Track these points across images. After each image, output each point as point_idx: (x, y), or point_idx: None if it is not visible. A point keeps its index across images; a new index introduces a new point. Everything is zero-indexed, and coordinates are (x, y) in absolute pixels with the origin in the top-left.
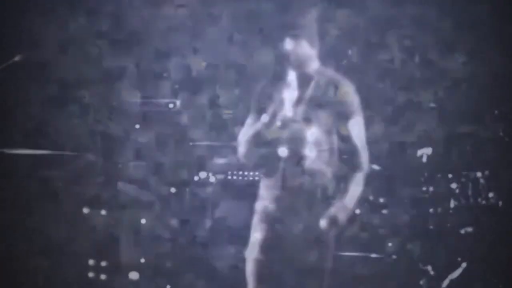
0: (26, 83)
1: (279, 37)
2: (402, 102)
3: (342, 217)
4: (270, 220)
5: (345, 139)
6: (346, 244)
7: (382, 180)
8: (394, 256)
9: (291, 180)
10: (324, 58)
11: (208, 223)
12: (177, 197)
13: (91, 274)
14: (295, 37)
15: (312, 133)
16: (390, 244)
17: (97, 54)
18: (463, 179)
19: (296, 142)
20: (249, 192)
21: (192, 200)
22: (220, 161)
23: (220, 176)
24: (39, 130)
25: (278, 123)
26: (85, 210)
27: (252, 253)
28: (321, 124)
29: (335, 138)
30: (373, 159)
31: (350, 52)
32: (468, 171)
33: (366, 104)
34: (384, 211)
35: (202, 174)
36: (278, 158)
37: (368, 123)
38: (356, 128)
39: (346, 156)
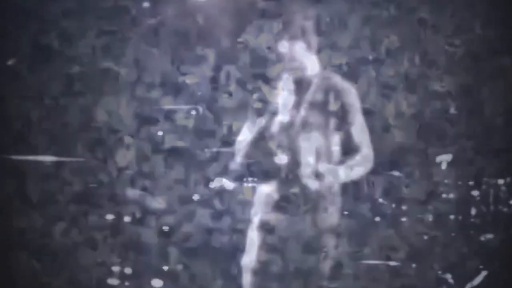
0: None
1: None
2: (422, 109)
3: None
4: (267, 229)
5: (347, 144)
6: (364, 252)
7: (401, 187)
8: (413, 264)
9: (288, 187)
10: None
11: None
12: (200, 204)
13: (114, 281)
14: (291, 38)
15: (311, 138)
16: (410, 251)
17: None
18: (484, 186)
19: (294, 148)
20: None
21: (214, 207)
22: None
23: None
24: (61, 137)
25: (275, 129)
26: (109, 217)
27: (248, 263)
28: (320, 129)
29: (335, 144)
30: (393, 165)
31: (371, 57)
32: (489, 178)
33: (384, 110)
34: (404, 219)
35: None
36: (275, 165)
37: (387, 128)
38: (359, 134)
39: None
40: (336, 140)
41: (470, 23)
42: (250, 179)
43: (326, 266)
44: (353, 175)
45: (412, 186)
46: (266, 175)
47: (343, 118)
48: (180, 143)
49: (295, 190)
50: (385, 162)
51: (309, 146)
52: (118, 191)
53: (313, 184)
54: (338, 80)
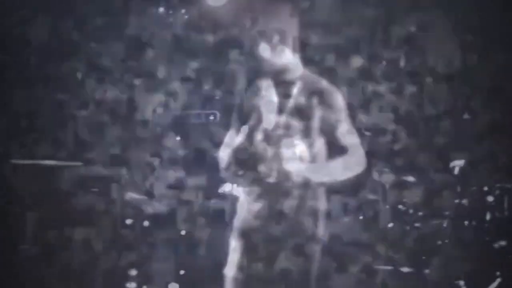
0: None
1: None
2: (437, 113)
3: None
4: (250, 237)
5: (333, 148)
6: (377, 258)
7: (416, 192)
8: (426, 271)
9: (272, 195)
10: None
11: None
12: (215, 209)
13: (132, 285)
14: (272, 42)
15: (296, 144)
16: (423, 258)
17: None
18: (498, 192)
19: (278, 155)
20: None
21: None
22: None
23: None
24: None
25: (258, 135)
26: (128, 221)
27: (230, 271)
28: (305, 134)
29: (321, 149)
30: (408, 170)
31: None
32: (504, 183)
33: (401, 115)
34: (417, 224)
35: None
36: (259, 173)
37: (402, 134)
38: (346, 137)
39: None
40: (321, 144)
41: None
42: (233, 186)
43: (311, 274)
44: (339, 176)
45: (425, 191)
46: (249, 183)
47: (328, 121)
48: None
49: (279, 196)
50: (398, 166)
51: (292, 151)
52: None
53: (296, 176)
54: (322, 82)
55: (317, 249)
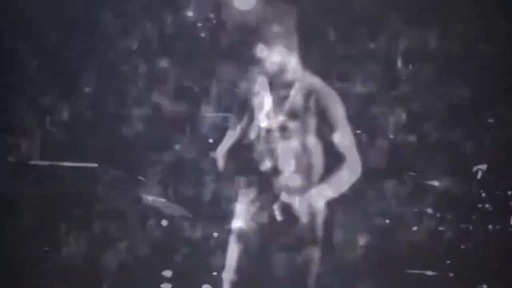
0: None
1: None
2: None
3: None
4: (247, 240)
5: (329, 151)
6: (402, 261)
7: (439, 197)
8: (451, 274)
9: (267, 197)
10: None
11: None
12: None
13: (167, 286)
14: (269, 42)
15: (290, 145)
16: (447, 262)
17: None
18: None
19: (273, 156)
20: None
21: None
22: None
23: None
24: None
25: (253, 135)
26: (164, 223)
27: (229, 275)
28: (300, 136)
29: (317, 151)
30: (432, 175)
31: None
32: None
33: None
34: (441, 228)
35: None
36: (254, 173)
37: (425, 139)
38: (342, 141)
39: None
40: (318, 149)
41: None
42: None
43: (310, 277)
44: (340, 189)
45: (450, 195)
46: (245, 184)
47: (325, 124)
48: None
49: (273, 200)
50: (426, 171)
51: (288, 154)
52: None
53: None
54: (320, 84)
55: (316, 252)
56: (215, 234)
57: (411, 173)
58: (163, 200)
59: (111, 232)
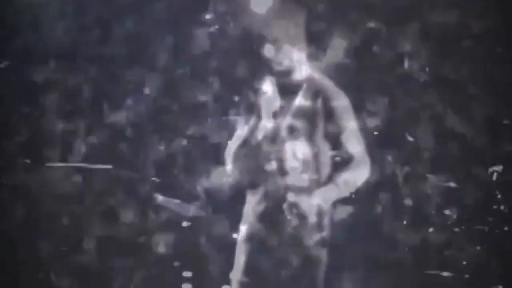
0: None
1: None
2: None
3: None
4: (255, 240)
5: (339, 152)
6: (417, 262)
7: (455, 198)
8: (466, 275)
9: (275, 197)
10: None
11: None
12: None
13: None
14: (278, 43)
15: (298, 146)
16: (464, 263)
17: None
18: None
19: (280, 156)
20: None
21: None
22: None
23: None
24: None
25: (260, 135)
26: (184, 224)
27: (237, 275)
28: (308, 137)
29: (324, 152)
30: (446, 177)
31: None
32: None
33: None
34: (456, 229)
35: None
36: (261, 174)
37: (440, 139)
38: (352, 141)
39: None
40: (326, 149)
41: None
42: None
43: (319, 277)
44: (348, 189)
45: (465, 196)
46: (252, 185)
47: (333, 124)
48: None
49: (281, 201)
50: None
51: (296, 155)
52: None
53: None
54: (329, 85)
55: (324, 252)
56: (234, 235)
57: (428, 175)
58: (177, 201)
59: (129, 233)
